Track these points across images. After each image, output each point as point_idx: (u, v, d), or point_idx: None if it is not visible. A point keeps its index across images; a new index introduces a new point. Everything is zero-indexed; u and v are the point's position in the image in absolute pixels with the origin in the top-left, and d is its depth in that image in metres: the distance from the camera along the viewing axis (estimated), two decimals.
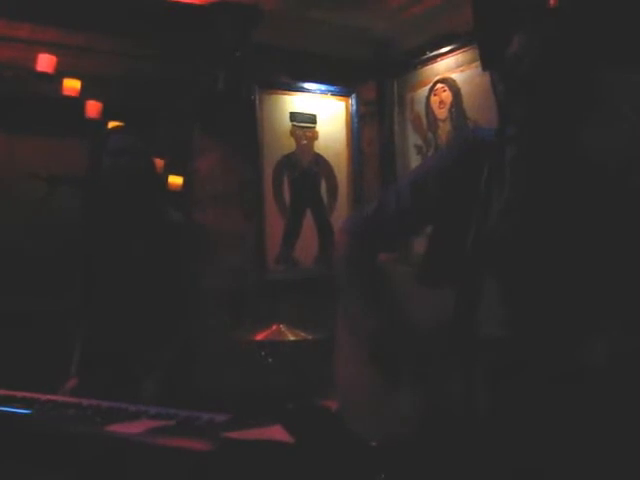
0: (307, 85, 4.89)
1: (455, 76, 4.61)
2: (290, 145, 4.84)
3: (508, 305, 1.50)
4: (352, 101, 5.08)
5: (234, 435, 1.43)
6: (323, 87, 4.96)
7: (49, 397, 1.99)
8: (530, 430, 1.46)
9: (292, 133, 4.85)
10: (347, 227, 1.94)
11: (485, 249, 1.30)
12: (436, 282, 1.61)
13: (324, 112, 4.98)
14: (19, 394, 2.00)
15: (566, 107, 1.51)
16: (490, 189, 1.35)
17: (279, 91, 4.80)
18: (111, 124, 3.85)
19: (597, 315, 1.44)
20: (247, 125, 4.61)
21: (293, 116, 4.85)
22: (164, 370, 2.40)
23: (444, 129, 4.73)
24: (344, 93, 5.06)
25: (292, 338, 3.44)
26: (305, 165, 4.90)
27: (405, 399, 1.62)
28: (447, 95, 4.68)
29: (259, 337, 3.44)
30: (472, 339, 1.26)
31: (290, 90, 4.84)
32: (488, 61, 1.66)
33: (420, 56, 4.82)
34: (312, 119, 4.93)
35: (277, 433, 1.45)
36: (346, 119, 5.07)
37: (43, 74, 3.77)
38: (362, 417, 1.79)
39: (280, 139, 4.80)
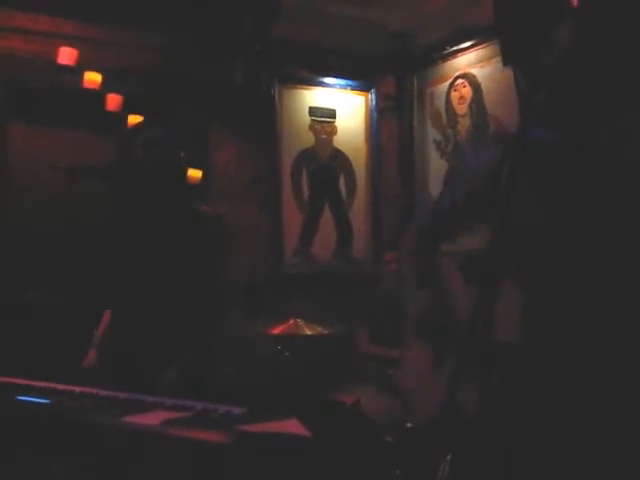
0: (326, 80, 4.88)
1: (475, 71, 4.58)
2: (309, 139, 4.84)
3: (529, 310, 1.49)
4: (371, 96, 5.06)
5: (250, 428, 1.43)
6: (342, 82, 4.94)
7: (66, 387, 2.00)
8: (543, 434, 1.45)
9: (311, 127, 4.85)
10: (414, 221, 2.03)
11: (507, 251, 1.30)
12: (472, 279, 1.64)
13: (343, 107, 4.97)
14: (37, 384, 2.02)
15: (594, 100, 1.49)
16: (510, 189, 1.34)
17: (298, 85, 4.80)
18: (132, 117, 3.87)
19: (620, 326, 1.42)
20: (266, 119, 4.62)
21: (312, 110, 4.84)
22: (183, 363, 2.40)
23: (464, 125, 4.70)
24: (363, 88, 5.04)
25: (309, 332, 3.44)
26: (324, 160, 4.89)
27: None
28: (467, 90, 4.65)
29: (276, 331, 3.45)
30: (488, 341, 1.26)
31: (309, 84, 4.84)
32: (509, 56, 1.65)
33: (440, 51, 4.80)
34: (331, 114, 4.92)
35: (293, 426, 1.45)
36: (365, 114, 5.06)
37: (64, 67, 3.79)
38: (414, 400, 1.87)
39: (299, 133, 4.80)
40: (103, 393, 1.89)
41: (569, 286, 1.45)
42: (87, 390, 1.97)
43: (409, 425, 3.07)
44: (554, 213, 1.50)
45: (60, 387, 1.99)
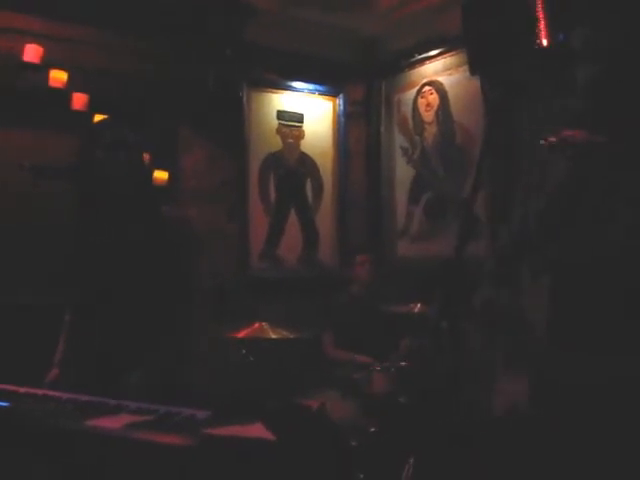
0: (295, 84, 4.89)
1: (442, 79, 4.63)
2: (276, 143, 4.84)
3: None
4: (339, 101, 5.08)
5: (215, 431, 1.43)
6: (311, 86, 4.96)
7: (28, 390, 1.97)
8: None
9: (279, 131, 4.85)
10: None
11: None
12: None
13: (311, 111, 4.98)
14: None
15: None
16: (477, 188, 1.36)
17: (267, 89, 4.80)
18: (97, 117, 3.83)
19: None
20: (234, 122, 4.61)
21: (280, 114, 4.85)
22: (148, 366, 2.39)
23: (430, 132, 4.75)
24: (332, 93, 5.06)
25: (274, 336, 3.44)
26: (291, 164, 4.90)
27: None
28: (434, 98, 4.70)
29: (241, 335, 3.44)
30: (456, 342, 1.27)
31: (278, 88, 4.84)
32: (476, 66, 1.68)
33: (408, 58, 4.84)
34: (299, 118, 4.93)
35: (258, 430, 1.45)
36: (333, 119, 5.08)
37: (29, 64, 3.74)
38: None
39: (267, 137, 4.80)
40: (66, 396, 1.86)
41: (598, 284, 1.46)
42: (50, 393, 1.94)
43: (373, 430, 3.09)
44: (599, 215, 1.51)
45: (21, 390, 1.95)
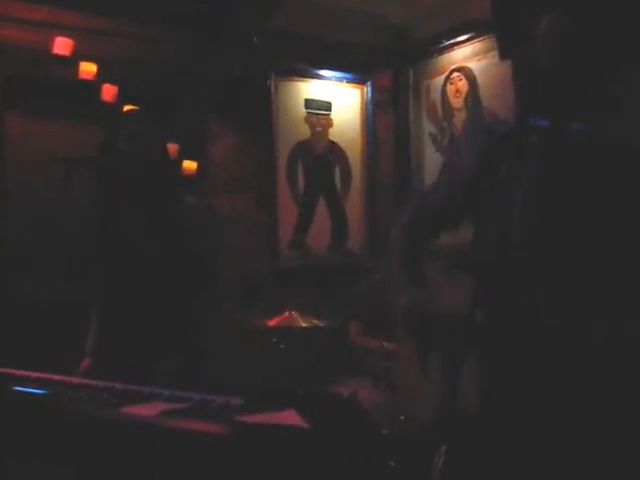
0: (323, 72, 4.87)
1: (472, 65, 4.58)
2: (305, 132, 4.83)
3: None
4: (367, 89, 5.06)
5: (248, 419, 1.44)
6: (339, 74, 4.94)
7: (63, 378, 2.01)
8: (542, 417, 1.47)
9: (307, 120, 4.84)
10: (398, 220, 2.14)
11: (510, 241, 1.32)
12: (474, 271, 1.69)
13: (339, 99, 4.96)
14: (33, 374, 2.02)
15: (592, 96, 1.50)
16: (510, 182, 1.36)
17: (294, 78, 4.79)
18: (126, 107, 3.86)
19: (604, 301, 1.46)
20: (262, 111, 4.61)
21: (308, 103, 4.84)
22: (179, 354, 2.41)
23: (459, 118, 4.71)
24: (359, 80, 5.04)
25: (304, 325, 3.45)
26: (319, 152, 4.89)
27: (431, 386, 1.67)
28: (463, 84, 4.65)
29: (271, 323, 3.45)
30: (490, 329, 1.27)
31: (305, 77, 4.83)
32: (506, 50, 1.67)
33: (437, 44, 4.79)
34: (327, 106, 4.91)
35: (290, 418, 1.46)
36: (361, 106, 5.05)
37: (60, 57, 3.78)
38: (403, 399, 1.94)
39: (295, 126, 4.79)
40: (101, 384, 1.89)
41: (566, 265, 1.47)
42: (85, 381, 1.97)
43: (402, 418, 3.08)
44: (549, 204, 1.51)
45: (57, 378, 1.99)
